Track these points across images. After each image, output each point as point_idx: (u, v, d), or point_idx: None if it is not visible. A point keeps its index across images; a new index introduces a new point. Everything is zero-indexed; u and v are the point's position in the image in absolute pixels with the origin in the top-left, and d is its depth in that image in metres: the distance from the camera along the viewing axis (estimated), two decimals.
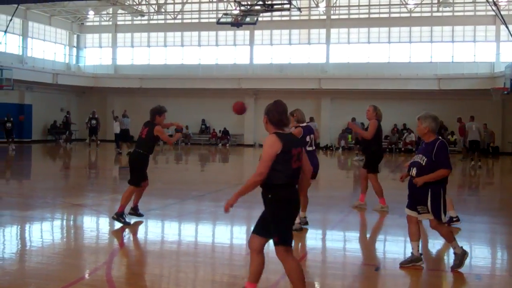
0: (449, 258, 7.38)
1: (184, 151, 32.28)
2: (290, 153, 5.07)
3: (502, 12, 25.85)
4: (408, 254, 7.16)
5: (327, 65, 36.76)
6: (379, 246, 8.84)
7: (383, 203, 10.72)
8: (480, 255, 7.95)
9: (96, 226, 9.93)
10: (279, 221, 5.15)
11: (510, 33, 21.75)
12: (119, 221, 9.13)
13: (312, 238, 9.17)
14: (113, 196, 13.32)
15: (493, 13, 27.41)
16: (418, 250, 6.96)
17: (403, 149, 33.15)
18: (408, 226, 7.00)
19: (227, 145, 36.78)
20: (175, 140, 10.65)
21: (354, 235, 9.46)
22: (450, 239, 6.93)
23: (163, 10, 38.82)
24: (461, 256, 6.86)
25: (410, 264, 6.98)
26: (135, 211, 9.75)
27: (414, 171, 6.79)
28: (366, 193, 11.04)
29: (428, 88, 33.17)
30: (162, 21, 40.12)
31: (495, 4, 21.00)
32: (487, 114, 30.87)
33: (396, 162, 25.52)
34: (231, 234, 9.50)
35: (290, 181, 5.12)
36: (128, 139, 27.55)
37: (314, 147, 9.39)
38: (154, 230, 9.63)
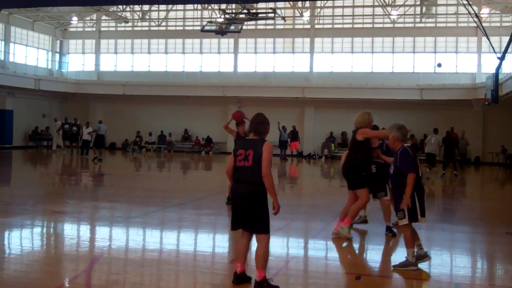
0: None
1: (167, 158, 32.15)
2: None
3: (484, 24, 26.12)
4: (396, 262, 7.36)
5: (311, 74, 36.90)
6: (360, 254, 8.84)
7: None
8: (460, 264, 7.98)
9: (77, 233, 9.83)
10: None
11: (491, 45, 22.01)
12: None
13: (294, 246, 9.17)
14: (93, 204, 13.23)
15: (475, 24, 27.68)
16: (413, 256, 7.16)
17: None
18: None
19: (210, 152, 36.72)
20: None
21: (337, 244, 9.46)
22: (409, 245, 7.16)
23: (147, 17, 38.73)
24: (408, 264, 7.13)
25: (404, 268, 7.16)
26: None
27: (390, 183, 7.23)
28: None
29: (410, 98, 33.41)
30: (146, 28, 40.04)
31: (476, 16, 21.23)
32: (468, 124, 31.21)
33: None
34: (213, 242, 9.46)
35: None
36: (102, 145, 28.00)
37: None
38: (135, 238, 9.55)
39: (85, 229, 10.07)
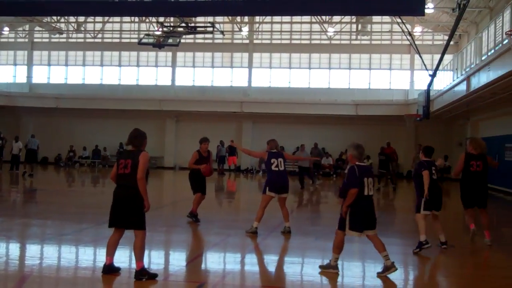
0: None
1: (101, 174, 31.45)
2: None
3: (416, 42, 26.88)
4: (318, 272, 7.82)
5: (249, 88, 37.07)
6: (288, 268, 8.82)
7: None
8: (392, 276, 8.05)
9: (5, 252, 9.39)
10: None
11: (424, 62, 22.66)
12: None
13: (231, 262, 9.08)
14: (24, 221, 12.75)
15: (408, 42, 28.51)
16: (335, 261, 7.88)
17: (321, 172, 33.68)
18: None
19: None
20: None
21: (272, 259, 9.42)
22: (334, 250, 7.84)
23: (82, 29, 38.01)
24: (329, 267, 7.87)
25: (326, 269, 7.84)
26: None
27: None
28: None
29: (346, 113, 34.06)
30: (82, 40, 39.25)
31: (410, 34, 21.82)
32: (402, 139, 32.06)
33: (314, 185, 25.84)
34: (149, 259, 9.23)
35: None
36: (34, 160, 27.08)
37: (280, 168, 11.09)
38: (67, 256, 9.23)
39: (14, 247, 9.66)
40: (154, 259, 9.14)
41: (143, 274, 7.24)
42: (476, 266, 9.45)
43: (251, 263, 8.97)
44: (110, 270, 7.42)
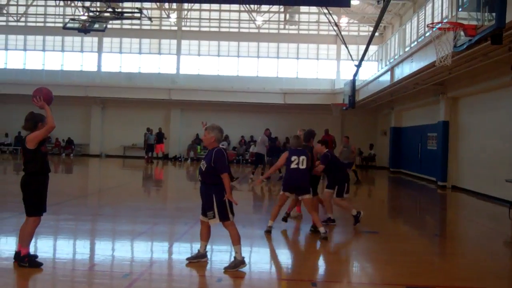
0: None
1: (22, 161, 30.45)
2: None
3: (343, 33, 27.48)
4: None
5: (178, 76, 36.76)
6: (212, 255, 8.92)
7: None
8: (317, 263, 8.28)
9: None
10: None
11: (349, 53, 23.17)
12: None
13: (158, 250, 9.07)
14: None
15: (334, 33, 29.08)
16: (205, 249, 7.88)
17: (250, 160, 33.95)
18: (201, 228, 7.94)
19: (71, 155, 35.38)
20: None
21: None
22: (235, 241, 7.53)
23: (4, 12, 36.50)
24: (238, 263, 7.48)
25: (195, 260, 7.82)
26: None
27: (200, 178, 7.67)
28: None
29: (274, 102, 34.43)
30: (4, 23, 37.72)
31: (336, 25, 22.26)
32: (328, 128, 32.56)
33: (243, 173, 26.03)
34: (73, 249, 9.09)
35: None
36: None
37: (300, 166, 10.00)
38: None
39: None
40: (79, 249, 9.02)
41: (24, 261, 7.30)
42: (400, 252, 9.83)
43: (179, 252, 8.98)
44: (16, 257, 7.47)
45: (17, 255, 7.33)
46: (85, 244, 9.53)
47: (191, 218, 11.24)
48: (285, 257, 9.15)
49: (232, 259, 7.59)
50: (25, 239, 7.36)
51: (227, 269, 7.45)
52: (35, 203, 7.44)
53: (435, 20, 18.43)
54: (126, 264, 7.97)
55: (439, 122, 22.79)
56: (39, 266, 7.29)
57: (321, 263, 8.85)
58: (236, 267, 7.45)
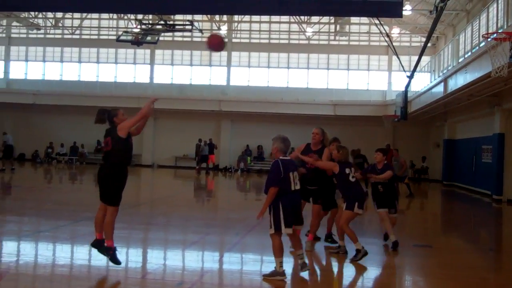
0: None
1: (78, 170, 31.22)
2: None
3: (394, 44, 27.14)
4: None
5: (228, 87, 37.07)
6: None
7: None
8: (370, 275, 8.16)
9: None
10: None
11: (401, 64, 22.87)
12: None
13: (209, 260, 9.10)
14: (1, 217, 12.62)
15: (386, 44, 28.79)
16: (280, 266, 7.29)
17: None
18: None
19: None
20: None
21: (251, 257, 9.46)
22: (276, 254, 7.29)
23: (60, 25, 37.64)
24: (275, 274, 7.28)
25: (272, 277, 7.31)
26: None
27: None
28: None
29: (324, 113, 34.22)
30: (59, 36, 38.93)
31: (387, 36, 22.01)
32: (379, 140, 32.19)
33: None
34: (127, 257, 9.22)
35: None
36: (11, 156, 26.88)
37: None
38: (44, 253, 9.16)
39: None
40: (132, 257, 9.14)
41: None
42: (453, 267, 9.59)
43: (229, 262, 8.99)
44: (97, 245, 7.72)
45: (98, 243, 7.62)
46: (138, 252, 9.65)
47: (243, 229, 11.26)
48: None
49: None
50: (109, 230, 7.55)
51: (265, 276, 7.40)
52: (119, 193, 7.60)
53: (490, 30, 18.04)
54: (178, 273, 8.03)
55: (495, 135, 22.21)
56: (119, 263, 7.55)
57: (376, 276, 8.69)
58: (272, 276, 7.34)
